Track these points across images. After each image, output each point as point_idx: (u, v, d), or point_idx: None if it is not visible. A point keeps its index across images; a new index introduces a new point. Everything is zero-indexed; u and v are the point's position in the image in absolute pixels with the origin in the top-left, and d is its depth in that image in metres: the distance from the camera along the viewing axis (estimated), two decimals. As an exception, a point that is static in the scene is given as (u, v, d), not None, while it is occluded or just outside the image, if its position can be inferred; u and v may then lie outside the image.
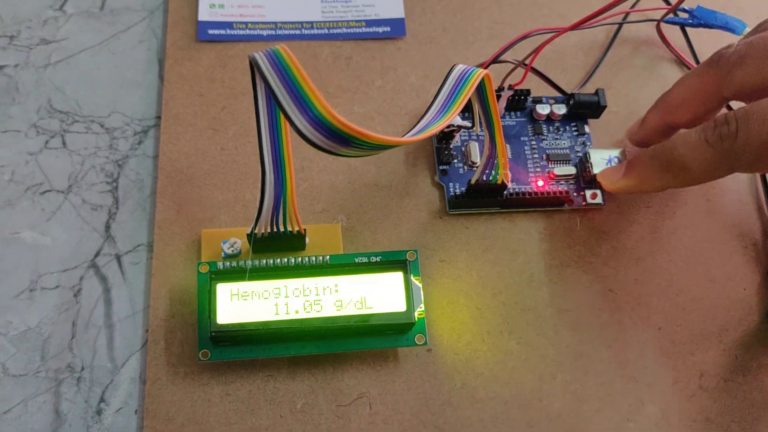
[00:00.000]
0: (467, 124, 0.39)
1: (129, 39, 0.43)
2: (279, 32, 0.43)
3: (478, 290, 0.38)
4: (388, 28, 0.44)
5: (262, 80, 0.27)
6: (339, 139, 0.26)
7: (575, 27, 0.39)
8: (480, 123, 0.36)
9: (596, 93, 0.41)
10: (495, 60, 0.40)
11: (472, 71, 0.32)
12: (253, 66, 0.28)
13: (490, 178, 0.38)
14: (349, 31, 0.43)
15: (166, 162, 0.39)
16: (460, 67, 0.32)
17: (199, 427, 0.34)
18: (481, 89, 0.33)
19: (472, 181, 0.38)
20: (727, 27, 0.43)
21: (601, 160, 0.39)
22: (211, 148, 0.40)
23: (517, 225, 0.40)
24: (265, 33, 0.43)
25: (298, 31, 0.43)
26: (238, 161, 0.40)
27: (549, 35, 0.40)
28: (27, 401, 0.35)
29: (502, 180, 0.38)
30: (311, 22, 0.43)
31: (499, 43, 0.43)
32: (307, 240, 0.37)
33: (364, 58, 0.43)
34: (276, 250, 0.37)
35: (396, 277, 0.35)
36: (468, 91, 0.31)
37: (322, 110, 0.26)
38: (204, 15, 0.43)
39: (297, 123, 0.26)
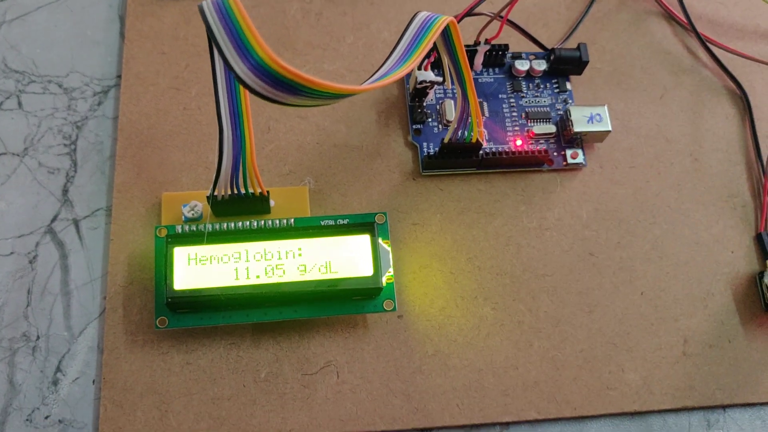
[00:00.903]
0: (438, 79, 0.37)
1: (89, -5, 0.41)
2: (246, -13, 0.41)
3: (452, 254, 0.36)
4: (360, -18, 0.42)
5: (206, 29, 0.25)
6: (284, 87, 0.24)
7: (554, -24, 0.37)
8: (451, 78, 0.34)
9: (578, 48, 0.39)
10: (469, 12, 0.38)
11: (436, 18, 0.30)
12: (201, 14, 0.26)
13: (464, 137, 0.36)
14: (319, -15, 0.41)
15: (126, 123, 0.37)
16: (422, 14, 0.30)
17: (158, 397, 0.33)
18: (448, 39, 0.31)
19: (445, 140, 0.36)
20: (717, -22, 0.41)
21: (582, 117, 0.37)
22: (173, 108, 0.38)
23: (494, 186, 0.38)
24: (231, -12, 0.41)
25: (265, -14, 0.41)
26: (201, 121, 0.38)
27: (527, -14, 0.38)
28: (-20, 371, 0.33)
29: (477, 138, 0.36)
30: (280, -24, 0.41)
31: (476, -4, 0.41)
32: (272, 203, 0.35)
33: (334, 14, 0.41)
34: (239, 213, 0.35)
35: (363, 240, 0.33)
36: (430, 39, 0.29)
37: (263, 55, 0.24)
38: (167, -31, 0.41)
39: (237, 70, 0.24)
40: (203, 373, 0.33)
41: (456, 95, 0.38)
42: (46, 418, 0.33)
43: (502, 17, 0.38)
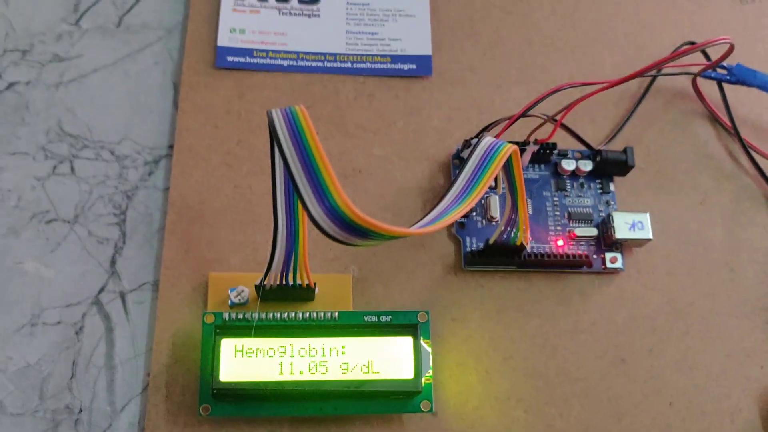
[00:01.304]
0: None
1: (144, 60, 0.41)
2: (300, 63, 0.41)
3: (489, 353, 0.37)
4: (414, 66, 0.42)
5: (279, 152, 0.26)
6: (355, 232, 0.25)
7: (613, 86, 0.37)
8: (503, 185, 0.35)
9: (624, 151, 0.40)
10: (524, 114, 0.38)
11: (500, 146, 0.31)
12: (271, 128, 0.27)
13: (510, 239, 0.36)
14: (373, 66, 0.42)
15: (176, 197, 0.38)
16: (487, 140, 0.31)
17: (195, 482, 0.34)
18: (507, 163, 0.32)
19: (491, 241, 0.37)
20: (765, 87, 0.41)
21: (624, 224, 0.38)
22: (224, 185, 0.39)
23: (534, 285, 0.39)
24: (285, 63, 0.41)
25: (320, 63, 0.42)
26: (252, 201, 0.38)
27: (582, 91, 0.38)
28: (23, 441, 0.34)
29: (522, 242, 0.36)
30: (334, 54, 0.42)
31: (528, 87, 0.41)
32: (316, 290, 0.36)
33: (387, 97, 0.42)
34: (284, 299, 0.36)
35: (405, 343, 0.34)
36: (495, 169, 0.30)
37: (340, 202, 0.24)
38: (223, 40, 0.41)
39: (312, 210, 0.25)
40: (241, 460, 0.34)
41: (501, 195, 0.39)
42: (86, 493, 0.34)
43: (556, 120, 0.38)
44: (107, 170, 0.39)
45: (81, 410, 0.35)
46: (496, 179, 0.36)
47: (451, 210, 0.28)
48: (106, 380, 0.35)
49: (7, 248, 0.37)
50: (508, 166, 0.32)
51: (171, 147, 0.40)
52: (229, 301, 0.35)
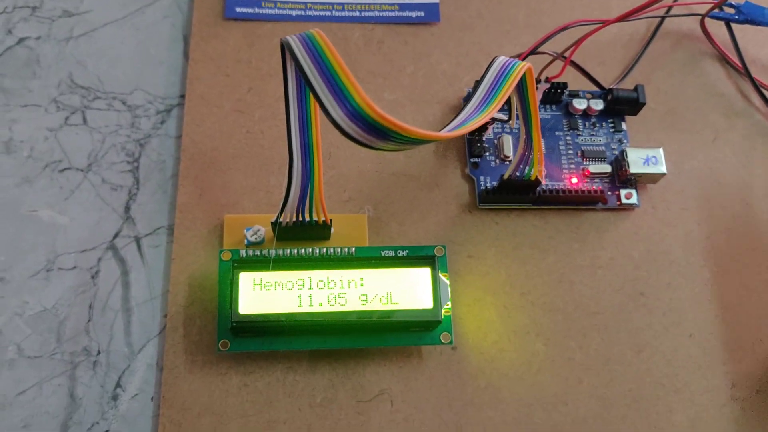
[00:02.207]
0: (503, 117, 0.37)
1: (153, 13, 0.42)
2: (309, 12, 0.42)
3: (506, 289, 0.37)
4: (422, 13, 0.42)
5: (296, 67, 0.26)
6: (377, 133, 0.25)
7: (618, 20, 0.37)
8: (516, 117, 0.35)
9: (635, 89, 0.40)
10: (533, 51, 0.38)
11: (514, 64, 0.31)
12: (286, 50, 0.27)
13: (524, 174, 0.36)
14: (381, 14, 0.42)
15: (189, 143, 0.38)
16: (501, 60, 0.31)
17: (215, 418, 0.33)
18: (521, 83, 0.32)
19: (505, 176, 0.37)
20: (774, 24, 0.41)
21: (638, 159, 0.38)
22: (236, 131, 0.39)
23: (549, 222, 0.38)
24: (294, 13, 0.41)
25: (328, 12, 0.42)
26: (264, 145, 0.38)
27: (590, 28, 0.38)
28: (42, 383, 0.34)
29: (536, 176, 0.36)
30: (342, 3, 0.42)
31: (536, 32, 0.41)
32: (332, 230, 0.36)
33: (396, 43, 0.42)
34: (300, 239, 0.36)
35: (423, 273, 0.34)
36: (510, 86, 0.30)
37: (361, 102, 0.24)
38: (232, -9, 0.41)
39: (333, 114, 0.25)
40: (260, 396, 0.34)
41: (515, 131, 0.39)
42: (105, 433, 0.33)
43: (565, 57, 0.38)
44: (119, 120, 0.39)
45: (99, 352, 0.35)
46: (510, 110, 0.36)
47: (468, 122, 0.28)
48: (123, 323, 0.35)
49: (22, 197, 0.37)
50: (522, 88, 0.32)
51: (182, 96, 0.40)
52: (245, 241, 0.35)
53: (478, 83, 0.30)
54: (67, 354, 0.34)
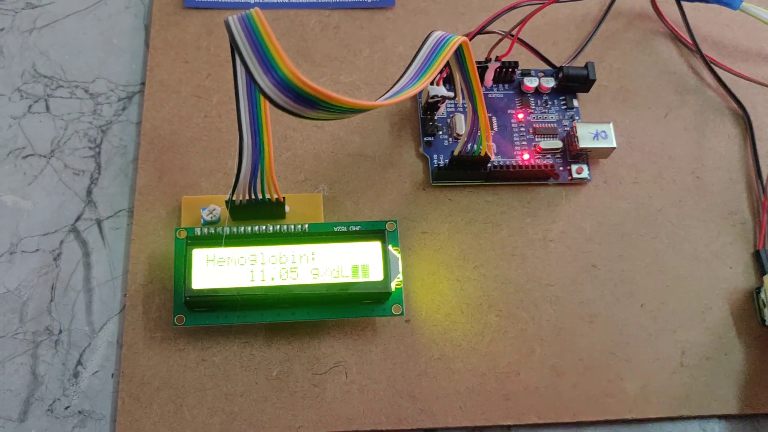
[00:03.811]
0: (450, 94, 0.38)
1: (115, 4, 0.43)
2: (267, 0, 0.43)
3: (460, 262, 0.38)
4: (377, -2, 0.43)
5: (231, 41, 0.27)
6: (305, 102, 0.26)
7: (566, -2, 0.38)
8: (462, 94, 0.36)
9: (585, 66, 0.41)
10: (481, 30, 0.39)
11: (449, 38, 0.32)
12: (227, 29, 0.28)
13: (473, 150, 0.37)
14: (337, 0, 0.43)
15: (149, 128, 0.39)
16: (437, 34, 0.32)
17: (174, 392, 0.34)
18: (460, 58, 0.33)
19: (455, 153, 0.38)
20: (722, 1, 0.42)
21: (588, 134, 0.39)
22: (195, 116, 0.40)
23: (502, 198, 0.39)
24: (252, 0, 0.42)
25: None
26: (221, 129, 0.39)
27: (537, 5, 0.39)
28: (4, 362, 0.35)
29: (485, 152, 0.37)
30: (299, -9, 0.43)
31: (490, 14, 0.42)
32: (287, 209, 0.37)
33: (352, 28, 0.43)
34: (255, 218, 0.37)
35: (374, 247, 0.35)
36: (444, 57, 0.30)
37: (286, 71, 0.25)
38: (192, -19, 0.42)
39: (261, 84, 0.26)
40: (217, 370, 0.35)
41: (466, 110, 0.40)
42: (67, 408, 0.34)
43: (513, 36, 0.39)
44: (82, 107, 0.40)
45: (61, 331, 0.35)
46: (454, 86, 0.37)
47: (401, 92, 0.29)
48: (84, 302, 0.36)
49: (-14, 183, 0.38)
50: (462, 63, 0.33)
51: (143, 84, 0.41)
52: (202, 220, 0.36)
53: (414, 57, 0.31)
54: (29, 333, 0.35)
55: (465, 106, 0.40)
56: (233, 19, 0.27)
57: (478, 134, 0.36)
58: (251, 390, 0.35)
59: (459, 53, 0.32)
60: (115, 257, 0.37)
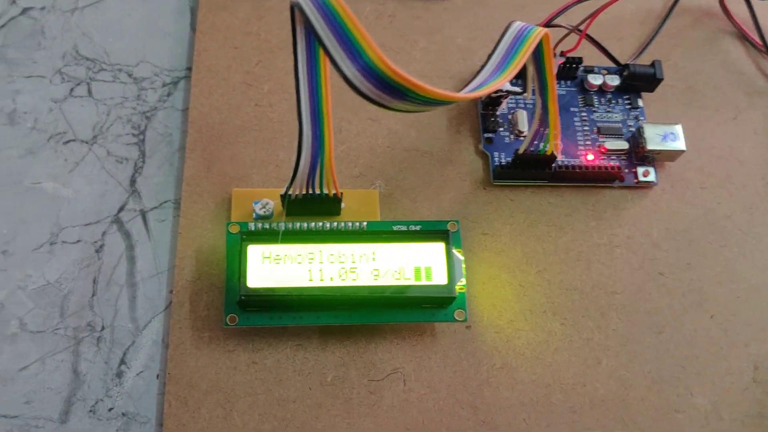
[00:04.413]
0: (517, 89, 0.37)
1: (161, -14, 0.41)
2: (319, -15, 0.41)
3: (522, 267, 0.36)
4: (435, -13, 0.41)
5: (306, 26, 0.25)
6: (391, 90, 0.24)
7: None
8: (532, 89, 0.34)
9: (652, 65, 0.39)
10: (548, 24, 0.37)
11: (531, 29, 0.30)
12: (296, 11, 0.26)
13: (539, 149, 0.35)
14: (393, -13, 0.41)
15: (196, 116, 0.37)
16: (517, 25, 0.30)
17: (223, 396, 0.32)
18: (538, 51, 0.31)
19: (520, 151, 0.36)
20: (795, 1, 0.40)
21: (656, 135, 0.37)
22: (245, 104, 0.38)
23: (565, 200, 0.37)
24: (304, -14, 0.40)
25: (339, -14, 0.41)
26: (273, 119, 0.37)
27: (605, 0, 0.37)
28: (45, 359, 0.33)
29: (552, 151, 0.35)
30: (354, -23, 0.41)
31: (551, 7, 0.40)
32: (342, 205, 0.35)
33: (408, 17, 0.41)
34: (309, 213, 0.35)
35: (437, 248, 0.33)
36: (526, 51, 0.29)
37: (374, 57, 0.23)
38: (241, -36, 0.40)
39: (346, 71, 0.24)
40: (269, 374, 0.33)
41: (535, 106, 0.38)
42: (110, 410, 0.32)
43: (581, 31, 0.37)
44: (125, 92, 0.38)
45: (103, 327, 0.34)
46: (525, 82, 0.35)
47: (484, 85, 0.27)
48: (128, 298, 0.34)
49: (25, 169, 0.36)
50: (538, 57, 0.31)
51: (189, 69, 0.39)
52: (254, 214, 0.34)
53: (493, 49, 0.29)
54: (70, 329, 0.33)
55: (527, 102, 0.38)
56: (305, 0, 0.25)
57: (546, 132, 0.35)
58: (305, 396, 0.33)
59: (537, 47, 0.31)
60: (160, 251, 0.35)
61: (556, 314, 0.35)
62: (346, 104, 0.38)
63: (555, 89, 0.33)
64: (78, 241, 0.35)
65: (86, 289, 0.34)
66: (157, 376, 0.33)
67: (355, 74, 0.24)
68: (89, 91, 0.38)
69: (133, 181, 0.36)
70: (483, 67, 0.29)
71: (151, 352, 0.33)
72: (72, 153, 0.36)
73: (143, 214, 0.36)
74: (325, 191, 0.33)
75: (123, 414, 0.32)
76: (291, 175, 0.31)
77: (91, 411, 0.32)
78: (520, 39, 0.29)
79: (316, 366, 0.33)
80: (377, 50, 0.23)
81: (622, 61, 0.40)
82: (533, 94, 0.34)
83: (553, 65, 0.31)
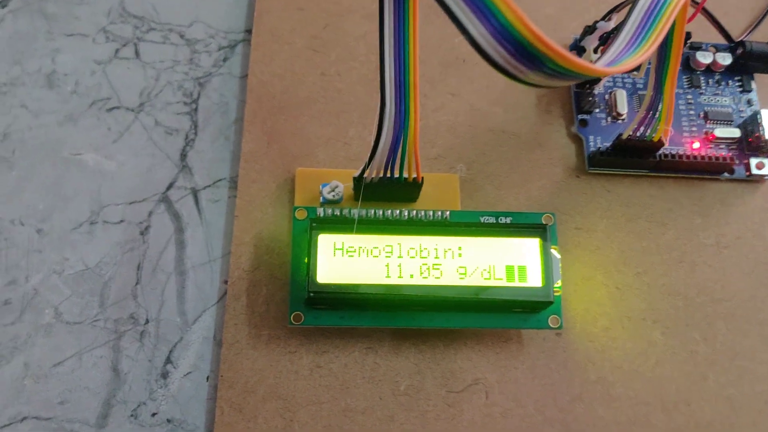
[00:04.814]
0: (625, 65, 0.32)
1: (217, -63, 0.36)
2: (393, -58, 0.36)
3: (620, 267, 0.32)
4: (523, -53, 0.37)
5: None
6: (529, 58, 0.20)
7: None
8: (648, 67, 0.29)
9: (772, 42, 0.34)
10: (660, -9, 0.33)
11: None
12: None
13: (646, 134, 0.31)
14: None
15: (256, 84, 0.33)
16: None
17: (283, 404, 0.29)
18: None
19: (624, 136, 0.31)
20: None
21: (777, 123, 0.32)
22: (310, 72, 0.33)
23: (667, 192, 0.33)
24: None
25: (415, -57, 0.36)
26: (342, 90, 0.33)
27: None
28: (82, 353, 0.29)
29: (660, 138, 0.31)
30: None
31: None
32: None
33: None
34: (383, 199, 0.31)
35: (532, 245, 0.29)
36: (669, 17, 0.24)
37: (512, 18, 0.19)
38: None
39: (473, 32, 0.20)
40: (335, 380, 0.29)
41: (631, 86, 0.34)
42: (153, 415, 0.29)
43: (696, 2, 0.33)
44: (176, 55, 0.34)
45: (147, 321, 0.30)
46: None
47: (623, 59, 0.23)
48: (176, 287, 0.30)
49: (64, 137, 0.32)
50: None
51: (248, 32, 0.35)
52: (321, 198, 0.30)
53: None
54: (110, 321, 0.30)
55: (638, 81, 0.34)
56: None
57: (657, 116, 0.30)
58: (375, 406, 0.29)
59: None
60: (213, 235, 0.31)
61: (657, 322, 0.31)
62: (423, 76, 0.34)
63: (677, 69, 0.28)
64: (121, 221, 0.31)
65: (129, 276, 0.30)
66: (207, 378, 0.29)
67: (486, 37, 0.19)
68: (136, 53, 0.34)
69: (183, 156, 0.32)
70: (614, 39, 0.25)
71: (201, 351, 0.30)
72: (116, 122, 0.32)
73: (195, 193, 0.32)
74: (405, 175, 0.29)
75: (168, 420, 0.28)
76: (365, 154, 0.27)
77: (132, 415, 0.28)
78: (658, 4, 0.25)
79: (387, 373, 0.29)
80: (518, 10, 0.19)
81: (734, 38, 0.35)
82: (647, 73, 0.29)
83: (682, 40, 0.27)
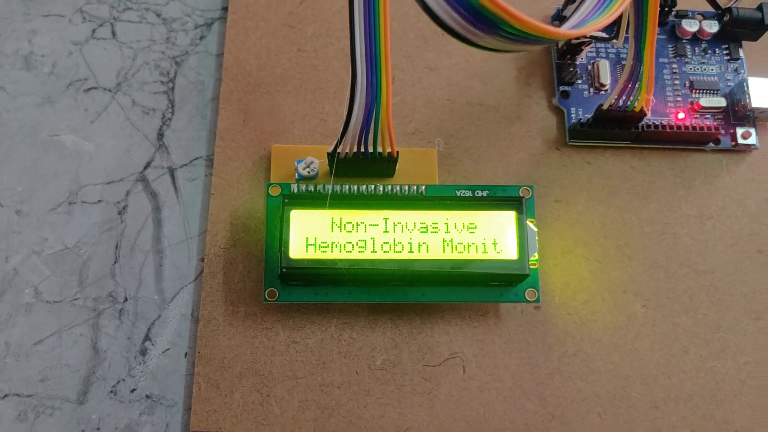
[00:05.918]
0: (604, 35, 0.31)
1: None
2: None
3: (600, 240, 0.31)
4: None
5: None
6: (483, 22, 0.19)
7: None
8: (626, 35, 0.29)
9: (759, 8, 0.33)
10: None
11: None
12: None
13: (627, 104, 0.30)
14: None
15: (232, 62, 0.33)
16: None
17: (260, 379, 0.29)
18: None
19: (605, 106, 0.31)
20: None
21: (764, 92, 0.32)
22: (286, 49, 0.33)
23: (650, 164, 0.33)
24: None
25: None
26: (318, 66, 0.33)
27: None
28: (62, 332, 0.29)
29: (641, 107, 0.30)
30: None
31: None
32: (396, 165, 0.31)
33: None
34: (359, 175, 0.31)
35: (507, 218, 0.28)
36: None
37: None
38: None
39: (428, -1, 0.19)
40: (311, 355, 0.29)
41: (617, 57, 0.33)
42: (132, 391, 0.29)
43: (680, -34, 0.32)
44: (153, 34, 0.34)
45: (126, 299, 0.30)
46: (617, 26, 0.30)
47: (588, 21, 0.22)
48: (153, 266, 0.30)
49: (42, 119, 0.32)
50: (640, -6, 0.26)
51: (225, 9, 0.34)
52: (296, 175, 0.30)
53: None
54: (90, 300, 0.30)
55: (620, 49, 0.33)
56: None
57: (638, 85, 0.30)
58: (351, 381, 0.29)
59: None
60: (190, 213, 0.31)
61: (638, 295, 0.31)
62: (400, 50, 0.33)
63: (655, 35, 0.28)
64: (99, 201, 0.31)
65: (108, 255, 0.30)
66: (186, 354, 0.29)
67: (439, 2, 0.19)
68: (113, 33, 0.34)
69: (160, 135, 0.32)
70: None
71: (178, 328, 0.30)
72: (93, 102, 0.32)
73: (172, 172, 0.32)
74: (379, 150, 0.29)
75: (147, 396, 0.29)
76: (340, 130, 0.27)
77: (111, 392, 0.29)
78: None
79: (363, 348, 0.29)
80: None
81: (723, 5, 0.35)
82: (625, 40, 0.29)
83: (657, 6, 0.26)
